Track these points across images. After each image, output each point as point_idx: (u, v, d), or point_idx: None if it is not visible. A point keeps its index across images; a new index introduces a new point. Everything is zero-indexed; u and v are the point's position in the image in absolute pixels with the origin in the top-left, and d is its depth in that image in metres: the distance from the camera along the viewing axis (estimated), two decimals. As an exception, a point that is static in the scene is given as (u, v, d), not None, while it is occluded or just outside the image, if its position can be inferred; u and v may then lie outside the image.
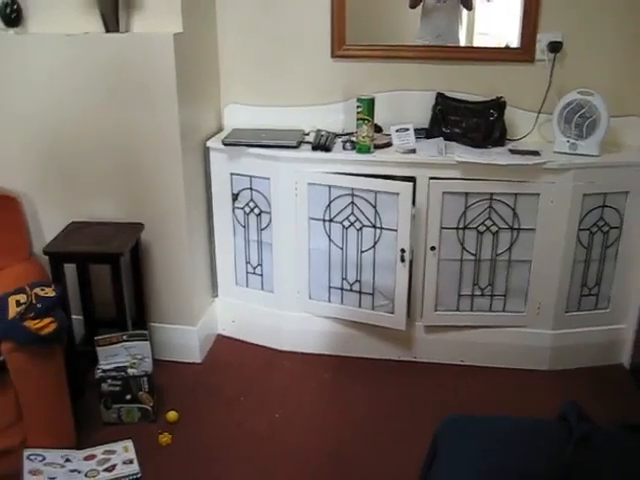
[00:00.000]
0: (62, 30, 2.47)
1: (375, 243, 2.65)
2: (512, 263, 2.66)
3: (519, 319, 2.75)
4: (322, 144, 2.64)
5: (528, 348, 2.77)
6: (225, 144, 2.72)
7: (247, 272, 2.93)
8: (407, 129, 2.68)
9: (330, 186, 2.64)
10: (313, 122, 2.85)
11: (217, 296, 3.04)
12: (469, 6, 2.87)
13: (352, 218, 2.66)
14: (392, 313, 2.72)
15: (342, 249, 2.72)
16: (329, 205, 2.67)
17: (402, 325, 2.73)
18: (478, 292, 2.72)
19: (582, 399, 1.67)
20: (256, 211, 2.80)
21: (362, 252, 2.69)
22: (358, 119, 2.57)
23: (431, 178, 2.57)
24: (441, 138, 2.71)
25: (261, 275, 2.90)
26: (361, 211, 2.63)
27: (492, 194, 2.57)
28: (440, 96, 2.75)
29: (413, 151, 2.60)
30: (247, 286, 2.95)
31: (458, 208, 2.60)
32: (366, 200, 2.61)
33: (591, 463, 1.45)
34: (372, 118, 2.57)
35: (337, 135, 2.79)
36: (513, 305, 2.73)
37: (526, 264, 2.66)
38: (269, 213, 2.77)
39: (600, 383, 2.70)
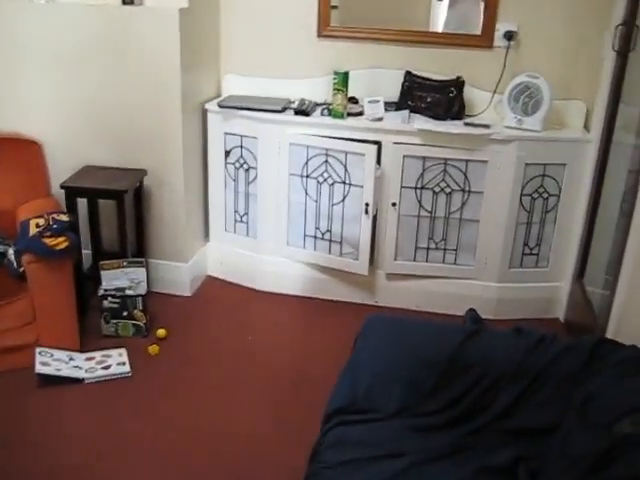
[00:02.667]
0: (85, 0, 2.90)
1: (344, 197, 3.07)
2: (463, 221, 3.07)
3: (468, 272, 3.16)
4: (303, 110, 3.06)
5: (476, 298, 3.16)
6: (220, 107, 3.15)
7: (235, 220, 3.36)
8: (378, 101, 3.09)
9: (308, 146, 3.06)
10: (300, 92, 3.27)
11: (209, 240, 3.47)
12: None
13: (325, 175, 3.07)
14: (357, 260, 3.14)
15: (316, 202, 3.14)
16: (306, 163, 3.09)
17: (365, 271, 3.14)
18: (433, 246, 3.13)
19: None
20: (245, 166, 3.22)
21: (333, 205, 3.11)
22: (334, 89, 2.98)
23: (395, 143, 2.97)
24: (407, 110, 3.12)
25: (246, 223, 3.33)
26: (333, 169, 3.05)
27: (446, 159, 2.97)
28: (408, 74, 3.15)
29: (380, 119, 3.02)
30: (235, 232, 3.38)
31: (417, 170, 3.00)
32: (338, 160, 3.02)
33: (475, 350, 1.87)
34: (346, 89, 2.98)
35: (317, 104, 3.20)
36: (463, 259, 3.14)
37: (475, 223, 3.06)
38: (256, 169, 3.19)
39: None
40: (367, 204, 3.01)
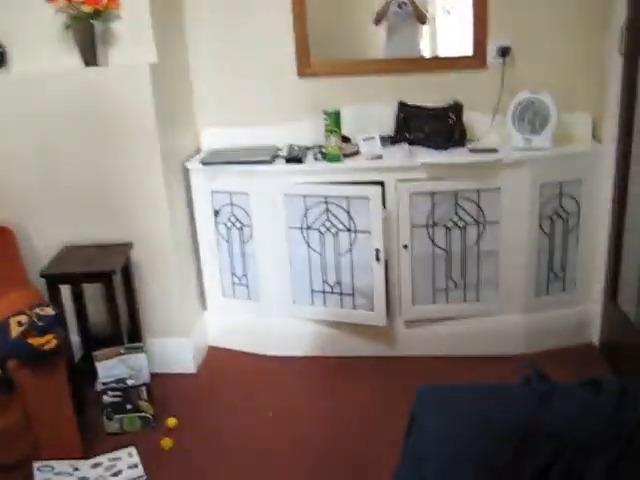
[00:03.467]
0: (44, 67, 2.64)
1: (351, 246, 2.83)
2: (481, 255, 2.84)
3: (492, 307, 2.92)
4: (295, 157, 2.82)
5: (503, 334, 2.93)
6: (204, 164, 2.89)
7: (233, 283, 3.08)
8: (373, 137, 2.86)
9: (305, 196, 2.81)
10: (285, 138, 3.04)
11: (206, 309, 3.18)
12: (423, 20, 3.06)
13: (328, 224, 2.83)
14: (372, 311, 2.89)
15: (321, 254, 2.88)
16: (305, 214, 2.84)
17: (382, 321, 2.89)
18: (452, 285, 2.89)
19: (557, 378, 1.82)
20: (237, 225, 2.96)
21: (340, 255, 2.86)
22: (326, 131, 2.75)
23: (399, 181, 2.75)
24: (406, 143, 2.90)
25: (246, 285, 3.06)
26: (336, 217, 2.80)
27: (457, 192, 2.75)
28: (402, 105, 2.94)
29: (380, 157, 2.79)
30: (234, 297, 3.11)
31: (426, 207, 2.78)
32: (339, 206, 2.78)
33: (551, 415, 1.62)
34: (339, 129, 2.76)
35: (308, 148, 2.97)
36: (486, 295, 2.90)
37: (494, 255, 2.84)
38: (250, 226, 2.94)
39: (573, 362, 2.86)
40: (377, 250, 2.76)
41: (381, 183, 2.74)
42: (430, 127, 2.89)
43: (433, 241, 2.82)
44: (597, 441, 1.57)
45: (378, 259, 2.77)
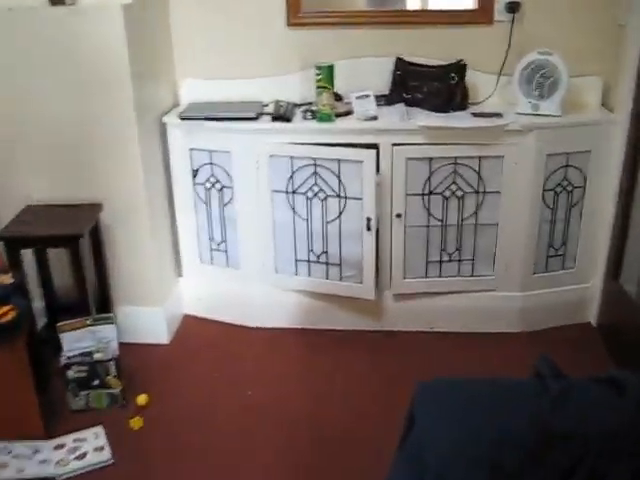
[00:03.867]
0: (5, 3, 2.34)
1: (340, 213, 2.62)
2: (479, 227, 2.65)
3: (488, 282, 2.76)
4: (282, 114, 2.58)
5: (498, 311, 2.77)
6: (182, 118, 2.64)
7: (211, 249, 2.87)
8: (368, 95, 2.63)
9: (292, 157, 2.58)
10: (272, 93, 2.79)
11: (182, 275, 2.97)
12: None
13: (316, 188, 2.61)
14: (360, 283, 2.70)
15: (307, 220, 2.67)
16: (292, 177, 2.61)
17: (371, 294, 2.70)
18: (446, 258, 2.71)
19: (555, 359, 1.66)
20: (217, 186, 2.73)
21: (327, 223, 2.65)
22: (318, 87, 2.51)
23: (394, 145, 2.53)
24: (402, 104, 2.67)
25: (225, 252, 2.84)
26: (325, 181, 2.58)
27: (456, 158, 2.55)
28: (399, 61, 2.71)
29: (375, 118, 2.56)
30: (212, 263, 2.89)
31: (422, 174, 2.57)
32: (329, 170, 2.56)
33: (566, 415, 1.45)
34: (332, 86, 2.52)
35: (297, 105, 2.73)
36: (481, 269, 2.73)
37: (493, 227, 2.65)
38: (231, 188, 2.71)
39: (570, 342, 2.72)
40: (369, 219, 2.56)
41: (375, 146, 2.52)
42: (429, 87, 2.66)
43: (429, 211, 2.62)
44: (620, 444, 1.41)
45: (369, 228, 2.57)
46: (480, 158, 2.54)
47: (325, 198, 2.61)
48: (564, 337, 2.75)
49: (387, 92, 2.74)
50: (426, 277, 2.74)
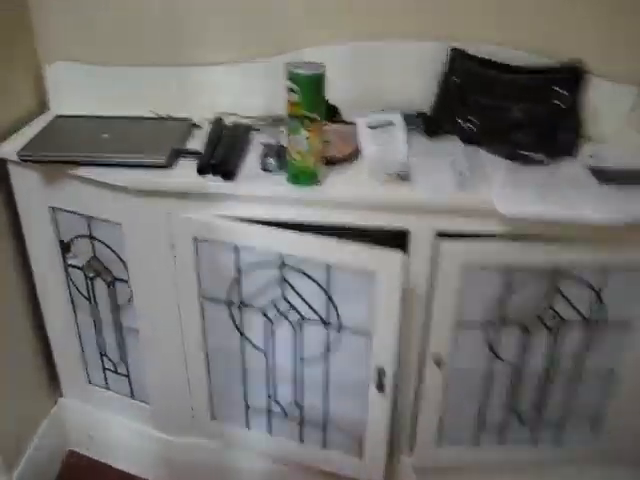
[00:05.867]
0: None
1: (328, 349, 1.38)
2: (585, 375, 1.44)
3: (583, 455, 1.56)
4: (220, 160, 1.29)
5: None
6: (21, 157, 1.35)
7: (104, 368, 1.65)
8: (391, 123, 1.35)
9: (238, 247, 1.32)
10: (208, 96, 1.49)
11: (61, 396, 1.76)
12: None
13: (284, 306, 1.36)
14: (359, 457, 1.50)
15: (265, 353, 1.44)
16: (238, 279, 1.36)
17: (378, 475, 1.51)
18: (514, 419, 1.50)
19: None
20: (106, 276, 1.48)
21: (303, 361, 1.42)
22: (290, 115, 1.21)
23: (440, 235, 1.26)
24: (457, 138, 1.39)
25: (127, 377, 1.63)
26: (300, 295, 1.33)
27: (560, 269, 1.28)
28: (457, 55, 1.39)
29: (404, 177, 1.27)
30: (107, 388, 1.69)
31: (491, 290, 1.32)
32: (309, 277, 1.30)
33: None
34: (319, 111, 1.21)
35: (253, 129, 1.43)
36: (574, 438, 1.53)
37: (606, 377, 1.43)
38: (127, 282, 1.46)
39: None
40: (382, 371, 1.33)
41: (402, 235, 1.26)
42: (512, 110, 1.36)
43: (492, 349, 1.39)
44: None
45: (381, 387, 1.34)
46: (605, 269, 1.28)
47: (300, 323, 1.37)
48: None
49: (427, 110, 1.44)
50: (477, 446, 1.54)
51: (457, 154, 1.34)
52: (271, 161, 1.30)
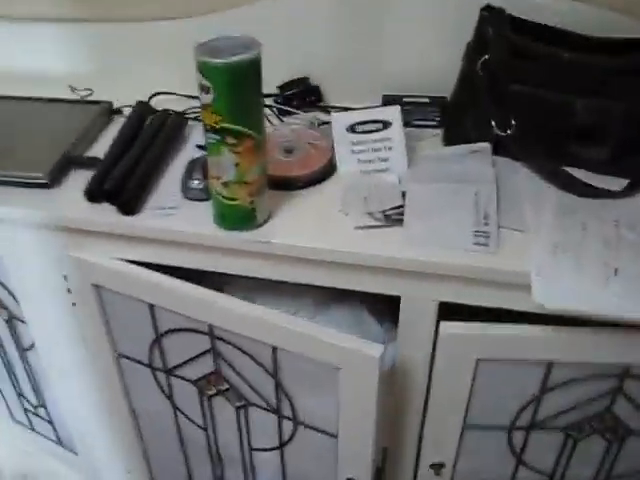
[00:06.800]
0: None
1: (282, 443, 0.98)
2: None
3: None
4: (117, 184, 0.86)
5: None
6: None
7: (25, 409, 1.31)
8: (384, 122, 0.88)
9: (152, 305, 0.91)
10: (113, 78, 1.05)
11: (-11, 424, 1.45)
12: None
13: (221, 384, 0.96)
14: None
15: (206, 429, 1.06)
16: (158, 341, 0.96)
17: None
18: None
19: None
20: (3, 314, 1.11)
21: (253, 450, 1.03)
22: (207, 127, 0.75)
23: (444, 306, 0.82)
24: (488, 146, 0.90)
25: (50, 421, 1.29)
26: (238, 374, 0.93)
27: (625, 366, 0.83)
28: (491, 15, 0.88)
29: (394, 219, 0.82)
30: (32, 429, 1.36)
31: (520, 389, 0.87)
32: (250, 356, 0.89)
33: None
34: (254, 120, 0.75)
35: (188, 121, 0.99)
36: None
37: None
38: (24, 322, 1.08)
39: None
40: (352, 485, 0.92)
41: (394, 301, 0.82)
42: (577, 106, 0.86)
43: (520, 458, 0.96)
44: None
45: (352, 503, 0.95)
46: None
47: (243, 407, 0.97)
48: None
49: (446, 94, 0.96)
50: None
51: (483, 178, 0.87)
52: (195, 184, 0.86)
